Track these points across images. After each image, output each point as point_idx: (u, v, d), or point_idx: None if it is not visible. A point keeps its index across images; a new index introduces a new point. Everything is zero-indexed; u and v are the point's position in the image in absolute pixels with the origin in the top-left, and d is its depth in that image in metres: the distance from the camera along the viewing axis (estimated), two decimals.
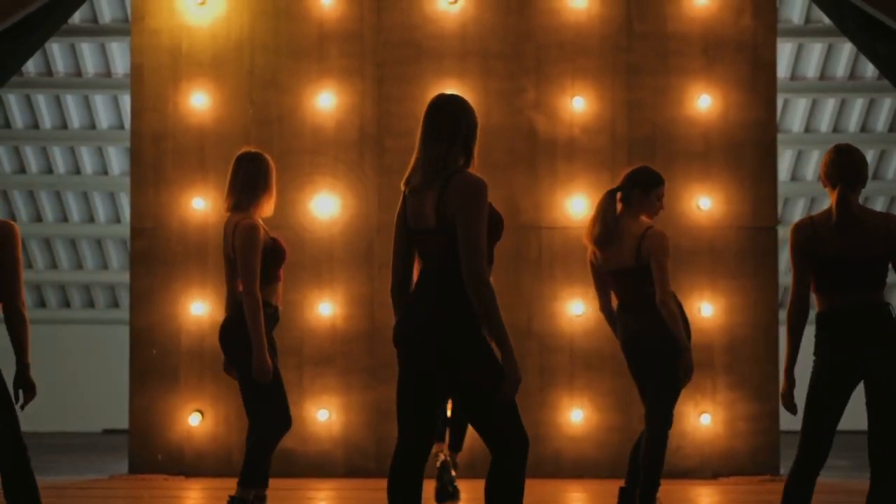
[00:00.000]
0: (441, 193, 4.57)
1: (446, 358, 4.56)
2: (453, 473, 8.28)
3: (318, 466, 10.16)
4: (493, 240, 4.71)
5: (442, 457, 8.21)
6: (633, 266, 6.85)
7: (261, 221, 6.71)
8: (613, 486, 7.26)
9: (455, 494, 8.27)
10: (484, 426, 4.63)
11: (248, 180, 6.70)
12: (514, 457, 4.60)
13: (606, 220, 6.95)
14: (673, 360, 6.90)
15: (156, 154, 10.36)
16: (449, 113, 4.69)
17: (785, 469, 10.59)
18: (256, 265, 6.56)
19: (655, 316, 6.87)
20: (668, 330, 6.86)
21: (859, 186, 5.53)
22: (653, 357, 6.93)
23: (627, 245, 6.88)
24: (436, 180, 4.61)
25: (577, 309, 10.18)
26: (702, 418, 10.16)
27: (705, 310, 10.20)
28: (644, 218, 7.00)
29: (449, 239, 4.56)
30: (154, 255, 10.33)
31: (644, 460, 6.89)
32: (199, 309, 10.23)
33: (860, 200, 5.60)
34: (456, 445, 8.40)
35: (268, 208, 6.78)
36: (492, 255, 4.73)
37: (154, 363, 10.27)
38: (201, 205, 10.29)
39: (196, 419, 10.21)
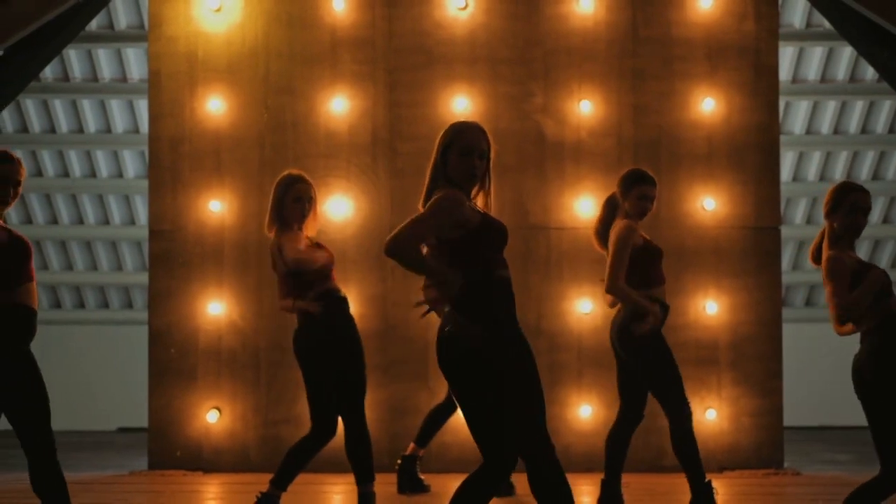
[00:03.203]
0: None
1: (455, 373, 4.86)
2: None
3: (334, 462, 10.29)
4: (500, 244, 4.96)
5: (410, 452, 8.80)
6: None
7: (300, 235, 7.09)
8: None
9: (416, 487, 8.76)
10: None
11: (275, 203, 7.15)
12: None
13: (596, 223, 7.38)
14: (636, 355, 7.19)
15: (173, 158, 10.57)
16: None
17: (789, 463, 10.79)
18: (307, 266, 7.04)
19: (625, 313, 7.21)
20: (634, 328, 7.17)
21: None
22: (623, 354, 7.27)
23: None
24: (428, 201, 4.97)
25: (585, 307, 10.39)
26: (707, 413, 10.35)
27: (710, 308, 10.39)
28: (623, 217, 7.32)
29: (444, 252, 4.90)
30: (172, 256, 10.52)
31: (675, 453, 7.22)
32: (216, 309, 10.44)
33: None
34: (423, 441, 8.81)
35: (311, 228, 7.17)
36: (503, 259, 4.98)
37: (172, 362, 10.46)
38: (218, 207, 10.50)
39: (214, 416, 10.42)
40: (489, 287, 4.84)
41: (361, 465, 7.17)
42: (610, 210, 7.40)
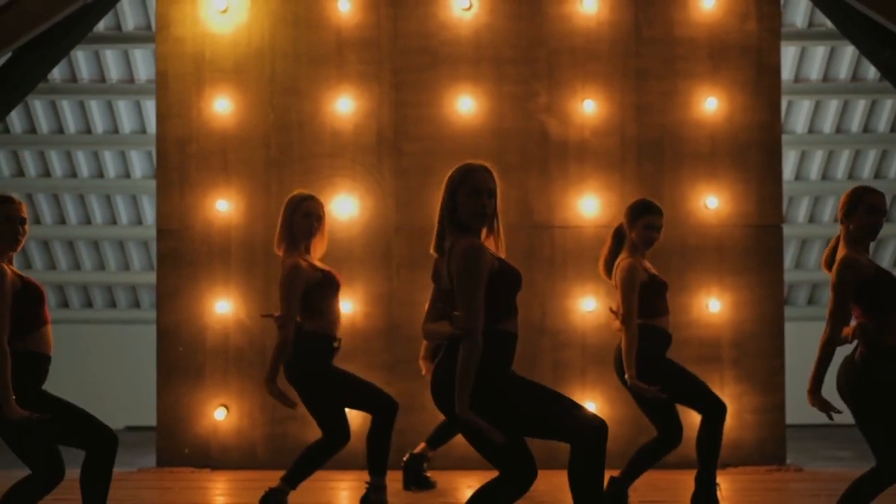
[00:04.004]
0: (448, 261, 4.96)
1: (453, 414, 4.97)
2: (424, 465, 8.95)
3: (340, 459, 10.24)
4: (513, 291, 4.99)
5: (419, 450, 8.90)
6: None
7: (305, 259, 7.08)
8: None
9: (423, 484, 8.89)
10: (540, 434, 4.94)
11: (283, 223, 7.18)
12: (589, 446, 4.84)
13: (604, 254, 7.45)
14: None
15: (180, 158, 10.65)
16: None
17: (792, 459, 10.86)
18: (291, 302, 6.97)
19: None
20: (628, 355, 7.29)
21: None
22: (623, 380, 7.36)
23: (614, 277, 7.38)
24: (442, 247, 5.01)
25: (588, 305, 10.46)
26: None
27: (713, 305, 10.46)
28: (627, 252, 7.37)
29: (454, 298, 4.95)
30: (179, 255, 10.61)
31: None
32: (224, 307, 10.53)
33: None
34: (434, 443, 8.92)
35: (318, 248, 7.19)
36: (515, 306, 5.00)
37: (180, 361, 10.55)
38: (224, 206, 10.59)
39: (221, 414, 10.51)
40: (488, 340, 4.88)
41: (374, 458, 7.29)
42: (617, 241, 7.44)
